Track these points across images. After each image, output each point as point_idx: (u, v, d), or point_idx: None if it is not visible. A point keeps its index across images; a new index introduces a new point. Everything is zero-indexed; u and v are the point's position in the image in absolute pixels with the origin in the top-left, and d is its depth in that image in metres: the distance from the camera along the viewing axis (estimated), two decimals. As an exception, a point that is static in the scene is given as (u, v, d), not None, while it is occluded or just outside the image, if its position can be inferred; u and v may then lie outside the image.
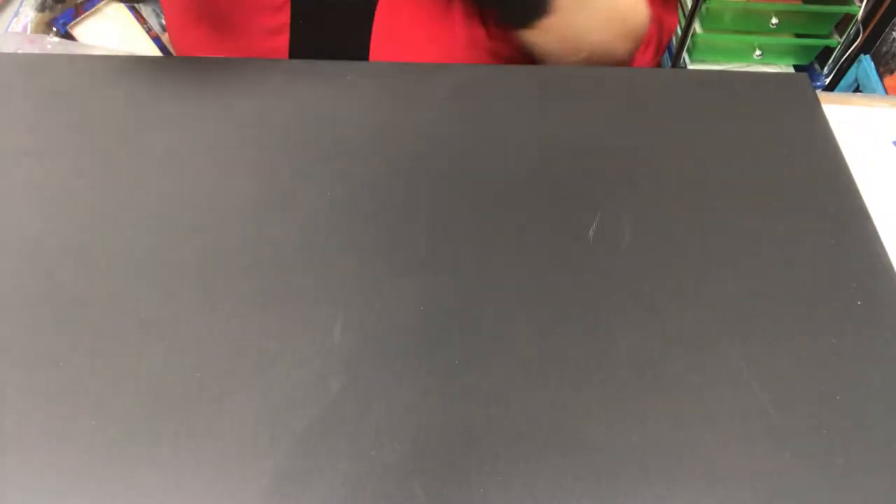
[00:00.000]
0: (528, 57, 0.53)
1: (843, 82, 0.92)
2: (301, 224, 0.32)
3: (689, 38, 0.87)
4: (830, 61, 0.89)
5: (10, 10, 0.92)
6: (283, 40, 0.52)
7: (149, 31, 1.00)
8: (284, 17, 0.53)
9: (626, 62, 0.54)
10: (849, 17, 0.84)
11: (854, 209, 0.32)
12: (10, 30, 0.90)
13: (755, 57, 0.88)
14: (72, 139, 0.36)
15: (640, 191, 0.33)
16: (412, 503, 0.24)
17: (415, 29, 0.54)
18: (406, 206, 0.33)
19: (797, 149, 0.35)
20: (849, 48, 0.87)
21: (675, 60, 0.90)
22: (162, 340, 0.28)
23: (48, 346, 0.28)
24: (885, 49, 0.86)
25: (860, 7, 0.80)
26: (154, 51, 1.01)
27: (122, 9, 0.98)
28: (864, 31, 0.85)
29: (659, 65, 0.64)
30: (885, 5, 0.82)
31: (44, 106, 0.37)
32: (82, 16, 0.96)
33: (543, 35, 0.50)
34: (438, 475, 0.24)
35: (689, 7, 0.82)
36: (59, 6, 0.95)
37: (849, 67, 0.90)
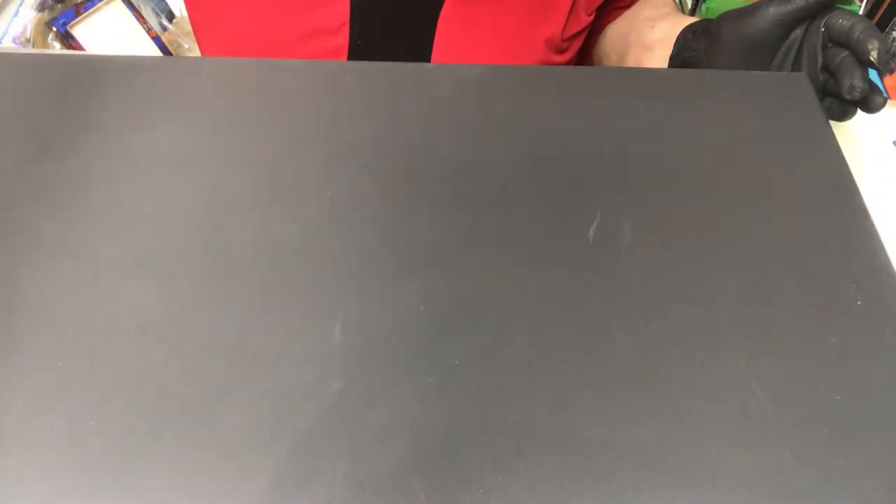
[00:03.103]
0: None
1: (843, 82, 0.92)
2: (301, 224, 0.32)
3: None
4: (830, 61, 0.88)
5: (9, 10, 0.92)
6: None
7: (149, 31, 1.00)
8: (342, 39, 0.52)
9: None
10: (849, 17, 0.83)
11: (854, 209, 0.32)
12: (9, 30, 0.90)
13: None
14: (72, 139, 0.36)
15: (640, 191, 0.33)
16: (412, 503, 0.24)
17: (476, 47, 0.53)
18: (406, 205, 0.33)
19: (797, 149, 0.35)
20: (849, 48, 0.86)
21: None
22: (162, 340, 0.28)
23: (48, 346, 0.28)
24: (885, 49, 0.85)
25: (860, 7, 0.80)
26: (154, 51, 1.01)
27: (123, 9, 0.98)
28: (864, 30, 0.85)
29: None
30: (885, 5, 0.82)
31: (44, 106, 0.37)
32: (82, 16, 0.96)
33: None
34: (438, 475, 0.24)
35: (689, 7, 0.82)
36: (59, 6, 0.95)
37: (849, 67, 0.90)
